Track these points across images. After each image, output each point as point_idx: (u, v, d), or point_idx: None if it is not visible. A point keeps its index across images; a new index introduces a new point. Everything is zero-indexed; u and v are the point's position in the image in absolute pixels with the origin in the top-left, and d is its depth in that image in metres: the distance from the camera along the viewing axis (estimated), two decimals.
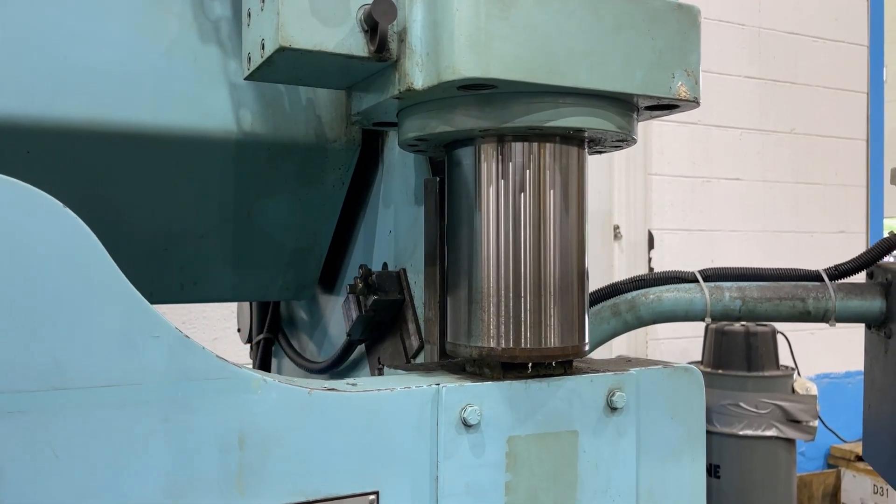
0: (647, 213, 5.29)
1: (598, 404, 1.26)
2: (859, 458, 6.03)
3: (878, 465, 2.34)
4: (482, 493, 1.18)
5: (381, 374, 1.58)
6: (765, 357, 4.45)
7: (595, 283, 1.59)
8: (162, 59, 1.49)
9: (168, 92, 1.49)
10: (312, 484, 1.08)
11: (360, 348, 1.86)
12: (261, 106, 1.59)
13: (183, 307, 4.11)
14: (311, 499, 1.08)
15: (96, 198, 1.56)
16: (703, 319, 2.13)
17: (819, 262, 2.46)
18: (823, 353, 6.17)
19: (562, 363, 1.28)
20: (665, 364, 1.37)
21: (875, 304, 2.17)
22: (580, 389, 1.25)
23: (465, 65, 1.06)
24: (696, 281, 2.15)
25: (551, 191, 1.24)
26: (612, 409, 1.27)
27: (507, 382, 1.21)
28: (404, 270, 1.67)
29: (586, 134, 1.24)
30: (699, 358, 4.52)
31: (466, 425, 1.16)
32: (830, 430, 5.55)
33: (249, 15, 1.22)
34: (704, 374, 2.43)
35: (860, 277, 2.27)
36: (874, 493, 5.80)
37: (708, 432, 1.54)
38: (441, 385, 1.17)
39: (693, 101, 1.23)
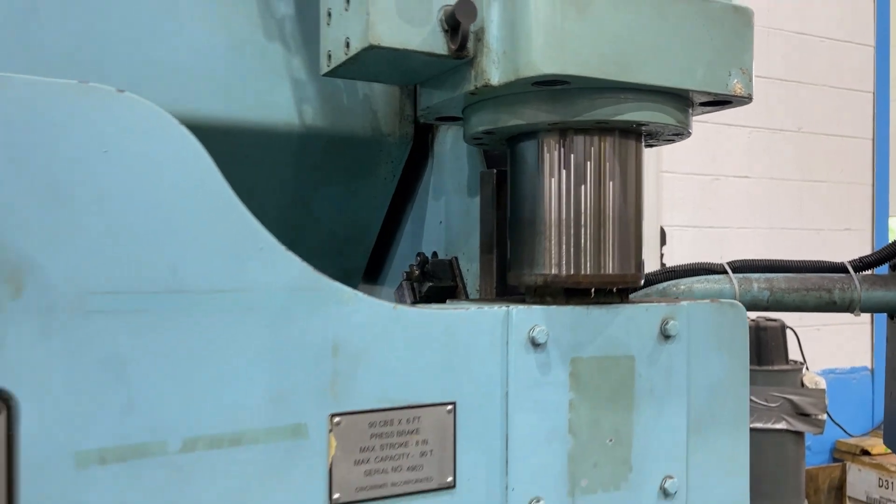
0: (659, 210, 5.38)
1: (652, 332, 1.35)
2: (865, 453, 6.15)
3: None
4: (547, 410, 1.27)
5: None
6: (774, 352, 4.53)
7: None
8: (233, 55, 1.56)
9: (239, 87, 1.56)
10: (398, 392, 1.17)
11: None
12: (321, 101, 1.67)
13: None
14: (396, 405, 1.17)
15: None
16: None
17: (825, 258, 2.54)
18: (829, 350, 6.26)
19: (619, 292, 1.37)
20: (712, 300, 1.46)
21: None
22: (637, 317, 1.34)
23: (543, 62, 1.14)
24: (725, 272, 2.23)
25: (611, 182, 1.32)
26: (666, 336, 1.35)
27: (569, 307, 1.30)
28: (456, 259, 1.74)
29: (645, 127, 1.32)
30: None
31: (534, 345, 1.25)
32: (837, 424, 5.65)
33: (329, 14, 1.30)
34: None
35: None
36: (879, 486, 5.90)
37: None
38: (511, 307, 1.26)
39: (747, 98, 1.31)
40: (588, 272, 1.31)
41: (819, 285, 2.23)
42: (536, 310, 1.27)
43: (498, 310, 1.25)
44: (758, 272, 2.27)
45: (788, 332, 4.55)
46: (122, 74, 1.47)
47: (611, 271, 1.32)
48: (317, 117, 1.67)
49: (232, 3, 1.58)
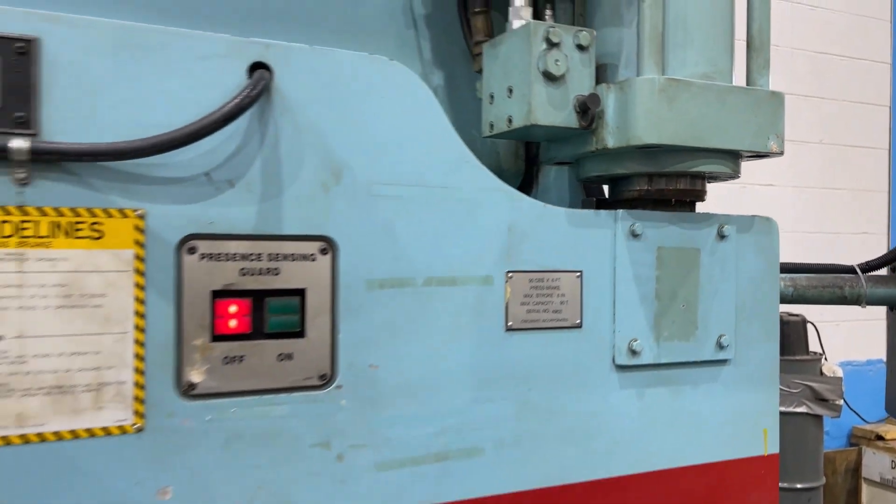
0: None
1: (712, 233, 1.90)
2: (879, 438, 6.41)
3: None
4: (641, 280, 1.82)
5: None
6: (796, 343, 4.76)
7: None
8: None
9: None
10: (546, 260, 1.74)
11: None
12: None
13: None
14: (545, 269, 1.74)
15: None
16: None
17: (843, 260, 2.98)
18: (847, 343, 6.55)
19: (689, 203, 1.93)
20: (752, 216, 1.98)
21: None
22: (702, 221, 1.89)
23: (646, 135, 1.72)
24: None
25: None
26: (721, 237, 1.91)
27: (658, 211, 1.84)
28: None
29: (710, 174, 1.91)
30: None
31: (634, 235, 1.81)
32: (853, 410, 5.84)
33: (492, 97, 1.87)
34: None
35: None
36: (892, 468, 6.22)
37: None
38: (619, 210, 1.80)
39: (780, 153, 1.88)
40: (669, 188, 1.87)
41: (833, 283, 2.80)
42: (635, 212, 1.84)
43: (611, 211, 1.81)
44: (784, 272, 2.83)
45: (809, 326, 4.74)
46: None
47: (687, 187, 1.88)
48: None
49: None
